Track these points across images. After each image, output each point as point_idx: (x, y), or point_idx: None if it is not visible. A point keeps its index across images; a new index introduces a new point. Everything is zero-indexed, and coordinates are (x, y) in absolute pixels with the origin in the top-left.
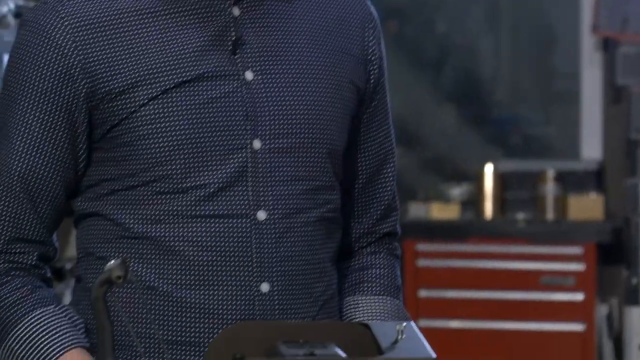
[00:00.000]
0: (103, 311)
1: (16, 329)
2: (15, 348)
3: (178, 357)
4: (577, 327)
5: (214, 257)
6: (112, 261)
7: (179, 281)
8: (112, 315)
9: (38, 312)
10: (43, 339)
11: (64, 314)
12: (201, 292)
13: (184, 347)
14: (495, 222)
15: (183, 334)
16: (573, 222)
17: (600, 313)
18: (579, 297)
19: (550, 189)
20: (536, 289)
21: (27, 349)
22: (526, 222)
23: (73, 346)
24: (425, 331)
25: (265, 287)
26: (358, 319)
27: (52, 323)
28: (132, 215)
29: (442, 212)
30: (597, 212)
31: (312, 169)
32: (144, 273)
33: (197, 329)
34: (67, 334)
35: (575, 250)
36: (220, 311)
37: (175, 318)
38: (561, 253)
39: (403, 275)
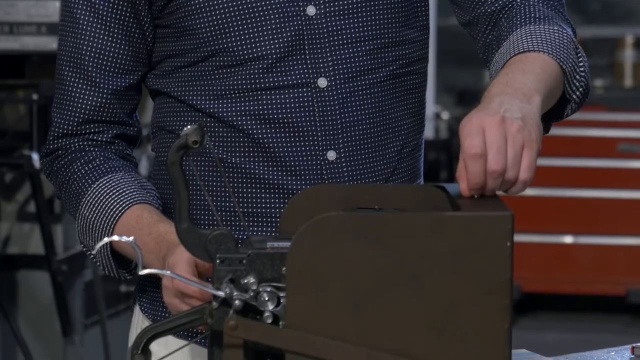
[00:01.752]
0: (179, 176)
1: (86, 195)
2: (86, 214)
3: (249, 228)
4: None
5: (278, 130)
6: (189, 126)
7: (246, 154)
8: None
9: (106, 177)
10: (109, 199)
11: (132, 179)
12: (268, 166)
13: (254, 218)
14: None
15: (253, 206)
16: None
17: None
18: None
19: (629, 55)
20: (613, 157)
21: (95, 212)
22: (604, 89)
23: (137, 202)
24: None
25: (331, 155)
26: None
27: (119, 185)
28: (196, 92)
29: None
30: None
31: (374, 27)
32: (215, 146)
33: (267, 201)
34: (133, 193)
35: None
36: (288, 183)
37: (245, 189)
38: (639, 120)
39: None
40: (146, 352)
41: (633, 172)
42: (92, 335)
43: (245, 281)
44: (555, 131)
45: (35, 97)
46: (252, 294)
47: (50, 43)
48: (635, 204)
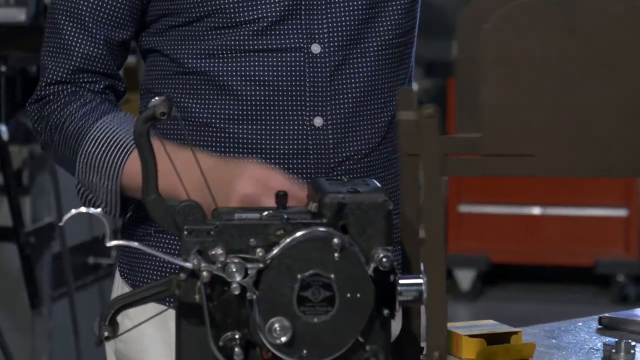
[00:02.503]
0: (147, 147)
1: (90, 132)
2: (91, 150)
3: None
4: None
5: (267, 92)
6: (156, 98)
7: (232, 117)
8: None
9: (110, 115)
10: (119, 133)
11: (135, 118)
12: (253, 128)
13: None
14: None
15: None
16: None
17: None
18: None
19: None
20: None
21: (103, 146)
22: None
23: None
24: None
25: (318, 121)
26: None
27: (126, 121)
28: (188, 50)
29: None
30: None
31: None
32: (198, 110)
33: None
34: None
35: None
36: (273, 146)
37: (228, 151)
38: None
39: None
40: (114, 324)
41: None
42: (60, 307)
43: (213, 252)
44: None
45: (3, 69)
46: (219, 265)
47: (18, 15)
48: None
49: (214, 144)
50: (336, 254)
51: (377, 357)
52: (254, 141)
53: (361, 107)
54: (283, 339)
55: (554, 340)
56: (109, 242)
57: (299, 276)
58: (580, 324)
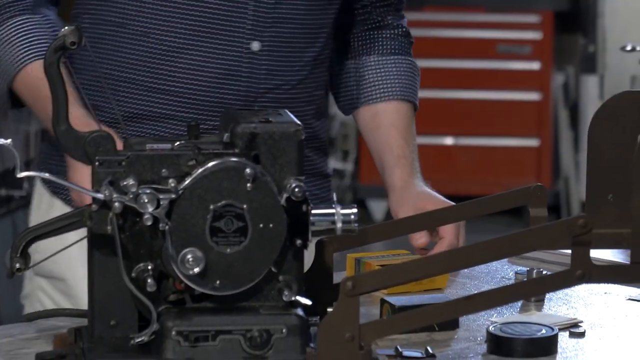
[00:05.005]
0: (57, 78)
1: None
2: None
3: (161, 103)
4: (533, 96)
5: (212, 11)
6: (66, 27)
7: (173, 28)
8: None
9: (24, 17)
10: (19, 43)
11: (48, 25)
12: (193, 42)
13: (168, 96)
14: None
15: (169, 82)
16: None
17: (557, 82)
18: (535, 65)
19: None
20: (492, 58)
21: (3, 50)
22: None
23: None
24: None
25: (255, 45)
26: (368, 80)
27: (33, 30)
28: None
29: None
30: None
31: None
32: (139, 18)
33: (183, 79)
34: (44, 44)
35: (532, 18)
36: (209, 64)
37: (163, 65)
38: (518, 21)
39: None
40: (25, 256)
41: (512, 73)
42: None
43: (125, 183)
44: (434, 32)
45: None
46: (131, 196)
47: None
48: (514, 105)
49: (150, 53)
50: (248, 184)
51: (290, 287)
52: (190, 56)
53: (296, 37)
54: (196, 269)
55: (466, 270)
56: (20, 173)
57: (211, 207)
58: None
